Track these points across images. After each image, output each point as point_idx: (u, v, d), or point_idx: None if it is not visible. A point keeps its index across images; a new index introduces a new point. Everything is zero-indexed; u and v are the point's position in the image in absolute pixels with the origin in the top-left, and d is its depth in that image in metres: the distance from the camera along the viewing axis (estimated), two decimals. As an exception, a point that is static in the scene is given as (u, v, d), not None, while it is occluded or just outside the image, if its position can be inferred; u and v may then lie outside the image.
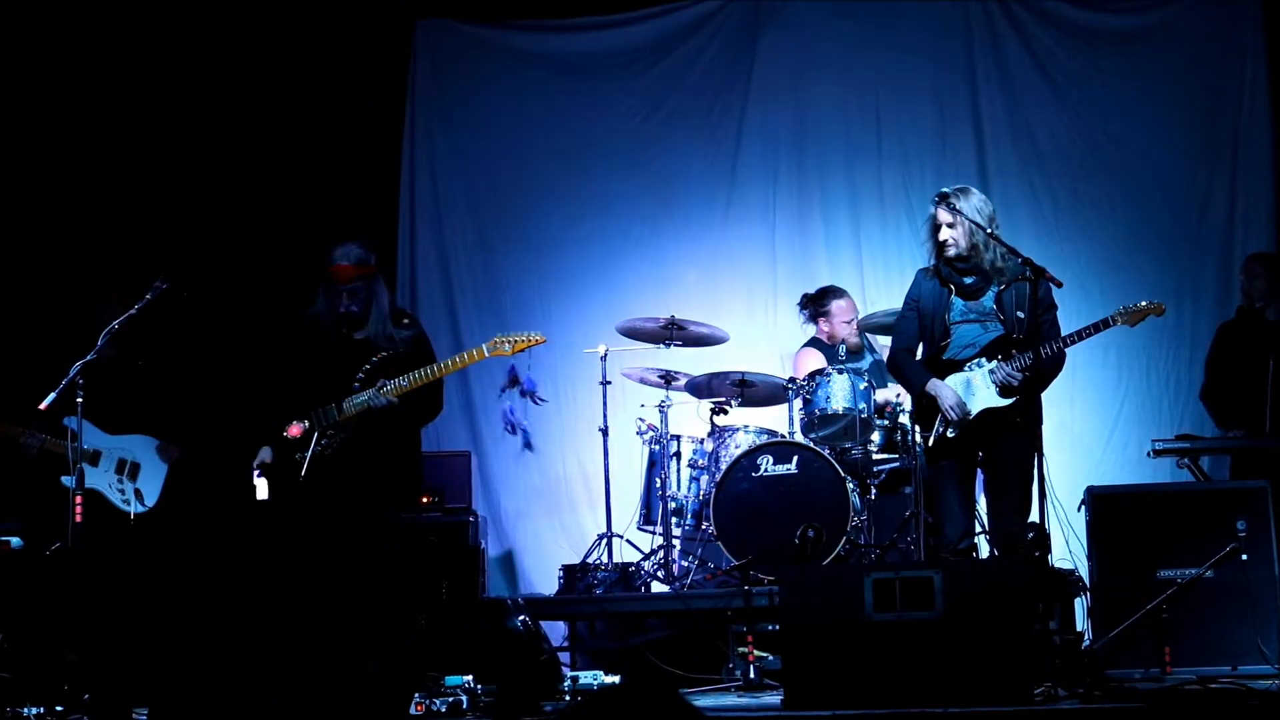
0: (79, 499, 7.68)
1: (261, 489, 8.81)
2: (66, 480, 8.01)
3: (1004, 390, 7.50)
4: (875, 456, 9.13)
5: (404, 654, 7.27)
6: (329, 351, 7.58)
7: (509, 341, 7.58)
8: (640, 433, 9.52)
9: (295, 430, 7.45)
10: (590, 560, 9.20)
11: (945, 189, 7.67)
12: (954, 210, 7.55)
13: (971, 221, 7.53)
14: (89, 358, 7.73)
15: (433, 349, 7.76)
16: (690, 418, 9.70)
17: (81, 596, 7.70)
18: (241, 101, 10.73)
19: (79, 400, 7.72)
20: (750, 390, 9.42)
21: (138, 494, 8.88)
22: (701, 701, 7.42)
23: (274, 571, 7.08)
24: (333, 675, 6.80)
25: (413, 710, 6.88)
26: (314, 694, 6.67)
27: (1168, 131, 10.27)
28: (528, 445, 9.37)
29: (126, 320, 7.91)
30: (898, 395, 8.90)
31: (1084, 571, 8.10)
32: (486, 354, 7.59)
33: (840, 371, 9.10)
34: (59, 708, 7.15)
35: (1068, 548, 8.35)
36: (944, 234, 7.60)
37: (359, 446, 7.48)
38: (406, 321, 7.69)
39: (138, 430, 8.99)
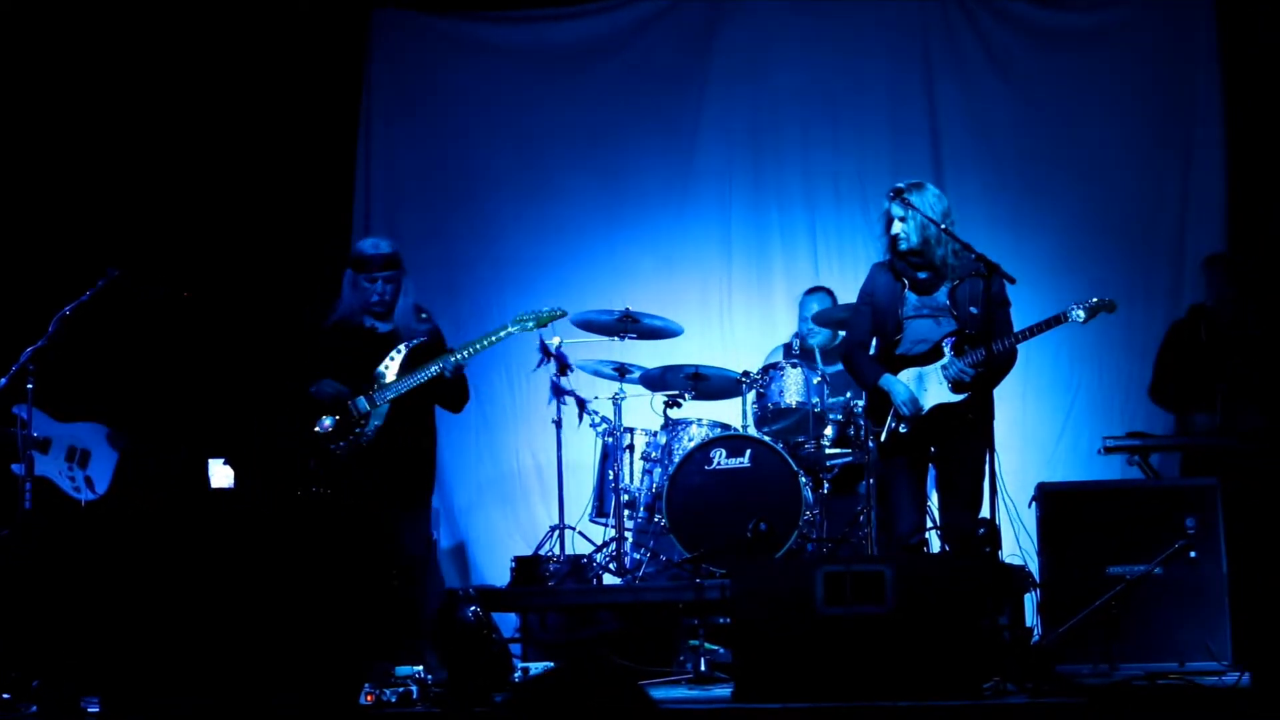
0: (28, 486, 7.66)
1: (222, 476, 8.82)
2: (16, 468, 7.98)
3: (956, 386, 7.53)
4: (828, 451, 9.15)
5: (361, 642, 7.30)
6: (356, 345, 7.86)
7: (533, 318, 7.97)
8: (593, 425, 9.51)
9: (327, 424, 7.67)
10: (543, 552, 9.19)
11: (899, 184, 7.68)
12: (907, 205, 7.57)
13: (925, 216, 7.54)
14: (39, 344, 7.69)
15: (446, 342, 8.04)
16: (644, 410, 9.70)
17: (30, 584, 7.65)
18: (191, 90, 10.66)
19: (29, 387, 7.69)
20: (704, 383, 9.43)
21: (88, 481, 8.84)
22: (651, 694, 7.41)
23: (289, 563, 7.07)
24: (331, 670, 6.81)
25: (363, 700, 6.86)
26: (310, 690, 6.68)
27: (1122, 130, 10.31)
28: (584, 411, 9.31)
29: (77, 307, 7.88)
30: None
31: (1034, 567, 8.11)
32: (513, 331, 7.94)
33: (794, 366, 9.13)
34: (6, 695, 7.11)
35: (1018, 543, 8.38)
36: (896, 228, 7.62)
37: (392, 436, 7.75)
38: (424, 315, 8.02)
39: (88, 418, 8.95)
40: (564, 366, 9.24)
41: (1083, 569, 7.81)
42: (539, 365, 9.25)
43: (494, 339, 7.87)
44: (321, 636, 6.66)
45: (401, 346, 7.81)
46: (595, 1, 11.10)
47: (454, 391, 7.93)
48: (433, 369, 7.71)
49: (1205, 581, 7.72)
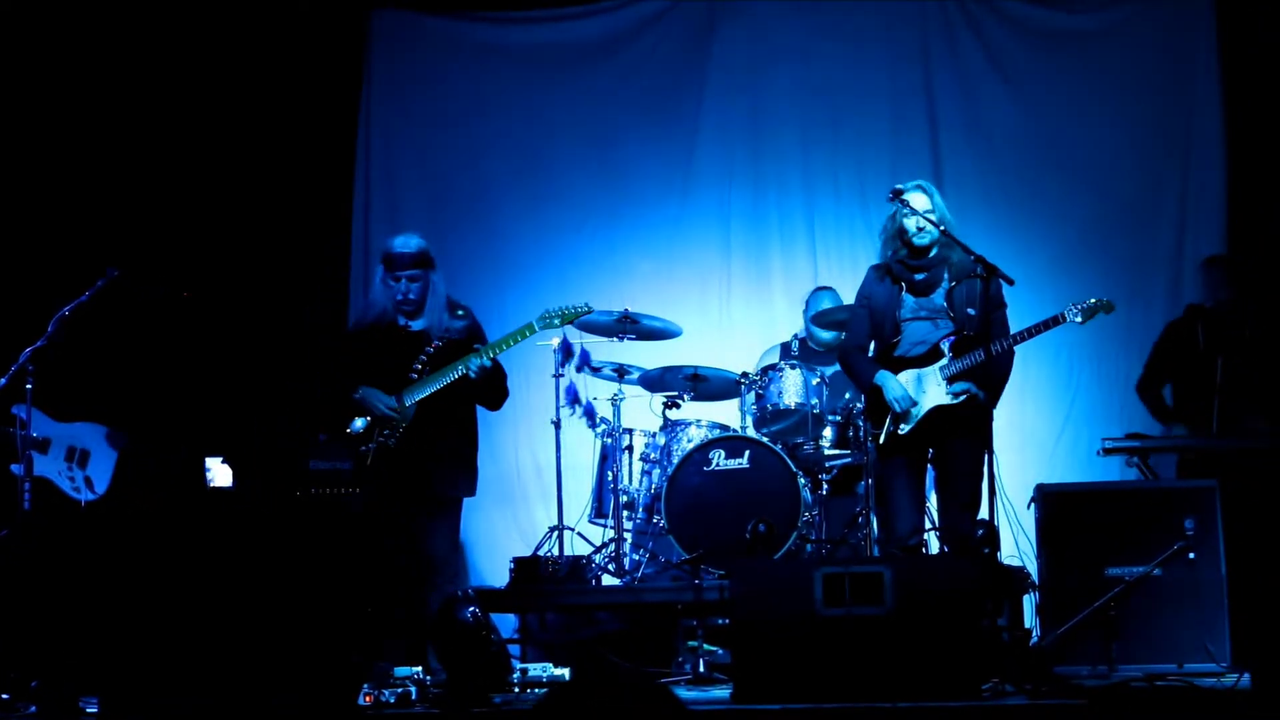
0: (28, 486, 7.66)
1: (221, 476, 8.82)
2: (15, 468, 7.98)
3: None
4: (827, 452, 9.15)
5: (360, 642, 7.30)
6: (387, 343, 7.84)
7: (559, 315, 7.90)
8: (593, 426, 9.51)
9: (359, 425, 7.71)
10: (542, 553, 9.19)
11: (904, 184, 7.66)
12: (914, 205, 7.56)
13: (929, 218, 7.54)
14: (39, 344, 7.69)
15: (486, 339, 7.98)
16: (643, 411, 9.70)
17: (30, 584, 7.66)
18: (192, 93, 10.65)
19: (29, 387, 7.68)
20: (703, 384, 9.43)
21: (88, 481, 8.84)
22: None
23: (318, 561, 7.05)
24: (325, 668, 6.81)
25: (361, 701, 6.86)
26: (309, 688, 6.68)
27: (1121, 131, 10.31)
28: (590, 418, 9.28)
29: (76, 307, 7.88)
30: None
31: (1033, 568, 8.12)
32: (538, 329, 7.88)
33: (793, 367, 9.13)
34: (6, 695, 7.10)
35: (1017, 545, 8.39)
36: (923, 222, 7.56)
37: (421, 437, 7.75)
38: (461, 313, 7.97)
39: (88, 418, 8.95)
40: (585, 365, 9.24)
41: (1081, 570, 7.82)
42: (562, 364, 9.22)
43: (519, 337, 7.83)
44: (321, 636, 6.66)
45: (431, 345, 7.81)
46: (595, 2, 11.09)
47: (487, 391, 7.89)
48: (458, 369, 7.69)
49: (1204, 583, 7.72)
